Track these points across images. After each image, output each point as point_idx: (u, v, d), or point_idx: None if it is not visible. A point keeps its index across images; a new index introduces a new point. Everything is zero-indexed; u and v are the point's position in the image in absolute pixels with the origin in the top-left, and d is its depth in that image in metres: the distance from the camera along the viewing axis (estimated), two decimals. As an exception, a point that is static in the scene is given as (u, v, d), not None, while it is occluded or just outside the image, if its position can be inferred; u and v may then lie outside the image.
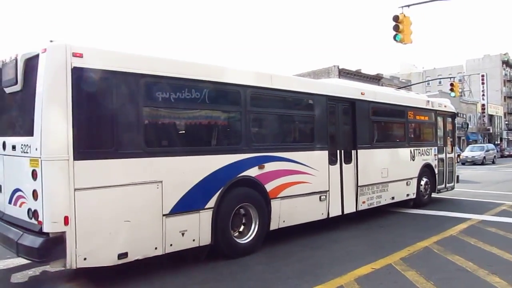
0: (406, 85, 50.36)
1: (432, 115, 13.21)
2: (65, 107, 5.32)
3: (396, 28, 15.81)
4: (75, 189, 5.35)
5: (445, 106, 13.97)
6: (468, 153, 41.10)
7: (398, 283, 6.10)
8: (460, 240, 8.50)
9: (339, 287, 5.94)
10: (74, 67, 5.40)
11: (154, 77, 6.24)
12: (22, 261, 6.74)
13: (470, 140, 64.34)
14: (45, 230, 5.29)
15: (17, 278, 6.45)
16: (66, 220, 5.29)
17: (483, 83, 75.83)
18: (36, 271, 6.75)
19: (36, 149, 5.35)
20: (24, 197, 5.66)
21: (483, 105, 74.38)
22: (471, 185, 18.96)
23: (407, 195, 11.90)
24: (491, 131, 76.89)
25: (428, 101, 13.16)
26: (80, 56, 5.48)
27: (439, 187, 13.37)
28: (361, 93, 10.25)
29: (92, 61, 5.60)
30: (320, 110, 8.97)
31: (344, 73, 45.84)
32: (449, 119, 14.18)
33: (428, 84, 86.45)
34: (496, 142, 71.50)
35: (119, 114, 5.86)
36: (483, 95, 75.26)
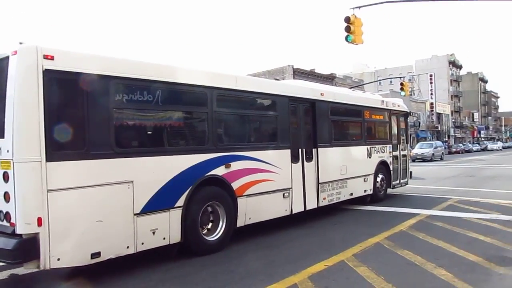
0: (358, 85, 51.58)
1: (387, 114, 13.93)
2: (37, 109, 5.36)
3: (347, 29, 16.14)
4: (48, 190, 5.40)
5: (398, 106, 14.75)
6: (417, 150, 42.53)
7: (350, 279, 6.24)
8: (410, 235, 8.80)
9: (292, 286, 6.01)
10: (46, 69, 5.47)
11: (124, 79, 6.36)
12: None
13: (420, 138, 66.61)
14: (18, 231, 5.32)
15: None
16: (39, 221, 5.34)
17: (431, 83, 78.76)
18: (4, 274, 6.62)
19: (8, 151, 5.34)
20: None
21: (431, 103, 77.19)
22: (421, 181, 19.65)
23: (365, 191, 12.52)
24: (439, 128, 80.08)
25: (383, 101, 13.86)
26: (51, 58, 5.55)
27: (393, 183, 14.08)
28: (321, 94, 10.72)
29: (63, 63, 5.65)
30: (283, 110, 9.36)
31: (299, 73, 46.43)
32: (402, 118, 14.98)
33: (380, 83, 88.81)
34: (444, 139, 74.44)
35: (89, 116, 5.91)
36: (432, 94, 78.18)
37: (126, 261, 6.71)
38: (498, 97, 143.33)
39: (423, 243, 8.13)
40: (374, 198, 12.98)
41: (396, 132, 14.38)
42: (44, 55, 5.49)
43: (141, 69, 6.66)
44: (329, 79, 51.21)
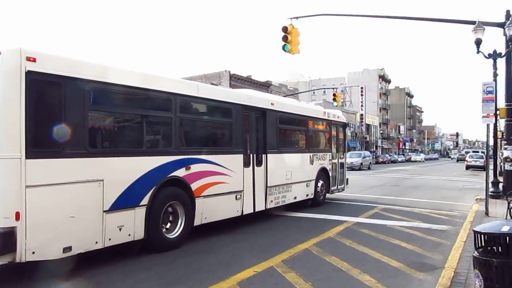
0: (293, 93, 52.63)
1: (328, 124, 15.05)
2: (18, 108, 5.61)
3: (285, 38, 16.46)
4: (26, 186, 5.64)
5: (338, 117, 15.95)
6: (347, 159, 43.99)
7: (278, 285, 6.31)
8: (337, 242, 9.07)
9: (222, 292, 5.99)
10: (28, 71, 5.72)
11: (98, 83, 6.71)
12: None
13: (349, 147, 69.11)
14: None
15: None
16: (17, 216, 5.57)
17: (362, 95, 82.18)
18: None
19: None
20: None
21: (361, 115, 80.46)
22: (350, 189, 20.36)
23: (307, 195, 13.43)
24: (368, 139, 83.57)
25: (325, 112, 14.94)
26: (34, 60, 5.81)
27: (332, 188, 15.16)
28: (271, 103, 11.55)
29: (45, 65, 5.94)
30: (237, 117, 10.06)
31: (235, 79, 46.64)
32: (341, 129, 16.18)
33: (314, 93, 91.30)
34: (372, 150, 77.76)
35: (66, 116, 6.20)
36: (362, 105, 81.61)
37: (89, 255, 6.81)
38: (422, 112, 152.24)
39: (349, 250, 8.40)
40: (314, 202, 13.88)
41: (335, 141, 15.59)
42: (27, 57, 5.75)
43: (113, 74, 6.97)
44: (265, 86, 51.86)
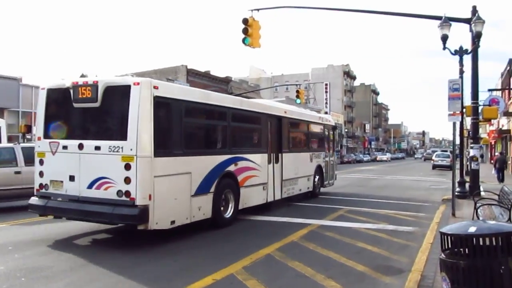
0: (255, 90, 52.77)
1: (322, 127, 18.79)
2: (150, 122, 8.54)
3: (245, 31, 16.43)
4: (154, 176, 8.53)
5: (329, 120, 19.67)
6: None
7: (239, 294, 6.28)
8: (301, 246, 9.14)
9: (178, 302, 5.91)
10: (155, 95, 8.70)
11: (188, 102, 9.88)
12: (70, 231, 10.47)
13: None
14: (137, 203, 8.33)
15: (79, 242, 9.59)
16: (149, 197, 8.41)
17: (326, 92, 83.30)
18: (85, 240, 9.67)
19: (131, 150, 8.39)
20: (110, 183, 8.55)
21: (326, 112, 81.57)
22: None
23: (308, 188, 16.91)
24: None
25: (320, 117, 18.84)
26: (157, 88, 8.79)
27: (325, 183, 18.65)
28: (284, 112, 15.07)
29: (163, 91, 8.98)
30: (263, 124, 13.51)
31: (193, 74, 46.25)
32: (331, 130, 19.73)
33: (276, 90, 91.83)
34: (336, 149, 78.89)
35: (173, 126, 9.35)
36: (326, 103, 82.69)
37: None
38: (388, 109, 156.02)
39: (313, 254, 8.48)
40: (313, 194, 17.49)
41: (327, 141, 19.21)
42: (154, 86, 8.72)
43: (196, 95, 10.43)
44: (225, 82, 51.75)
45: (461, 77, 16.60)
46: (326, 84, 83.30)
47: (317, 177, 17.83)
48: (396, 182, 28.04)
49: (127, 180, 8.44)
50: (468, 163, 23.86)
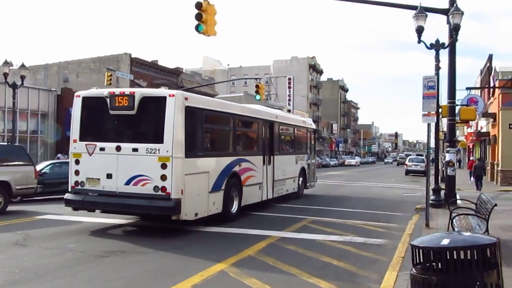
0: (209, 83, 52.65)
1: (305, 131, 22.56)
2: (182, 128, 11.53)
3: (198, 17, 16.28)
4: (185, 174, 11.45)
5: (310, 124, 23.66)
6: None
7: (187, 316, 6.27)
8: (258, 261, 9.21)
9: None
10: (186, 105, 11.73)
11: (207, 110, 13.19)
12: (102, 222, 13.66)
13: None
14: (172, 197, 11.24)
15: (111, 231, 12.52)
16: (182, 192, 11.31)
17: (289, 87, 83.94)
18: (117, 230, 12.67)
19: (167, 151, 11.32)
20: (147, 179, 11.49)
21: (289, 110, 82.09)
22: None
23: (293, 189, 20.41)
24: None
25: (304, 121, 23.09)
26: (187, 99, 11.87)
27: (307, 184, 22.34)
28: (276, 116, 18.75)
29: (191, 101, 12.04)
30: (259, 128, 16.81)
31: (138, 64, 45.69)
32: (313, 134, 23.57)
33: (233, 84, 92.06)
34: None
35: (197, 132, 12.48)
36: (290, 99, 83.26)
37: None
38: (358, 108, 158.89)
39: (273, 270, 8.55)
40: (297, 195, 20.92)
41: (310, 144, 22.98)
42: (185, 97, 11.82)
43: (212, 104, 14.07)
44: (174, 74, 51.41)
45: (437, 73, 17.11)
46: (290, 79, 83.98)
47: (301, 178, 21.46)
48: (366, 189, 28.58)
49: (163, 177, 11.44)
50: (443, 168, 24.54)
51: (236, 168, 14.55)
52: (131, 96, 12.06)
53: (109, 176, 12.06)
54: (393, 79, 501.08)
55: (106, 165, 12.13)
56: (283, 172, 18.80)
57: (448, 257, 5.03)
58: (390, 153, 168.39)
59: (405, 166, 50.34)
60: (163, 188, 11.38)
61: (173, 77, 50.32)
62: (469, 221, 11.21)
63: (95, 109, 12.77)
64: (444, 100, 24.19)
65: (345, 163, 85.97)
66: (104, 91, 12.47)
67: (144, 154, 11.67)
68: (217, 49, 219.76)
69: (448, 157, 18.59)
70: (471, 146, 59.12)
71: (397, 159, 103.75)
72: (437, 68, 17.25)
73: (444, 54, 17.53)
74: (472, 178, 32.67)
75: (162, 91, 12.03)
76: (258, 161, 16.34)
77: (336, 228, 13.19)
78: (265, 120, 17.39)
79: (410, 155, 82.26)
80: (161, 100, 11.76)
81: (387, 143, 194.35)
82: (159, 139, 11.58)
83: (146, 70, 46.29)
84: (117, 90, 12.38)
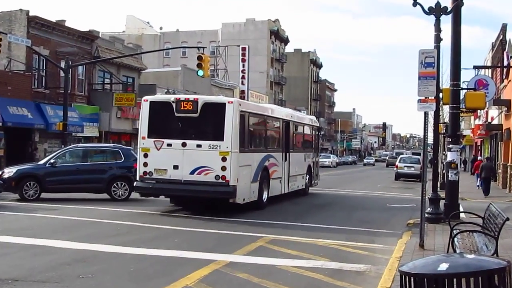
0: (134, 54, 52.08)
1: (311, 128, 32.01)
2: (237, 128, 20.11)
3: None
4: (239, 166, 19.98)
5: (316, 122, 34.04)
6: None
7: None
8: (199, 294, 9.23)
9: None
10: (240, 110, 20.58)
11: (254, 114, 22.72)
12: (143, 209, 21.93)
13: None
14: (230, 184, 19.50)
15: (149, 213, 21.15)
16: (237, 180, 19.68)
17: (244, 60, 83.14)
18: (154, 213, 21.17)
19: (227, 147, 19.68)
20: (209, 170, 19.68)
21: (242, 92, 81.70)
22: (219, 210, 20.70)
23: (302, 185, 28.83)
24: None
25: (310, 119, 33.11)
26: (240, 105, 21.06)
27: (312, 182, 31.07)
28: (291, 116, 27.97)
29: (242, 107, 21.20)
30: (280, 127, 25.68)
31: (37, 25, 44.72)
32: (317, 132, 33.81)
33: (167, 54, 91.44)
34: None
35: (245, 131, 21.21)
36: (244, 77, 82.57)
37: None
38: (335, 90, 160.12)
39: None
40: (304, 192, 29.19)
41: (315, 142, 32.52)
42: (239, 103, 21.03)
43: (256, 108, 24.87)
44: (87, 39, 50.57)
45: (437, 46, 17.41)
46: (244, 49, 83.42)
47: (308, 176, 29.92)
48: (343, 199, 29.01)
49: (223, 168, 19.27)
50: (444, 171, 24.95)
51: (266, 163, 23.04)
52: (195, 101, 20.37)
53: (175, 167, 19.94)
54: (380, 52, 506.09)
55: (173, 158, 20.01)
56: (296, 169, 27.39)
57: (446, 286, 5.14)
58: (375, 151, 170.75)
59: (395, 169, 51.00)
60: (223, 177, 19.33)
61: (85, 43, 49.49)
62: (474, 240, 11.50)
63: (162, 111, 21.11)
64: (446, 82, 24.71)
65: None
66: (171, 97, 21.43)
67: (207, 149, 19.71)
68: (146, 6, 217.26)
69: (450, 156, 18.70)
70: (478, 143, 60.26)
71: (387, 158, 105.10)
72: (438, 39, 17.53)
73: (446, 22, 17.77)
74: (479, 182, 33.26)
75: (222, 98, 24.74)
76: (279, 157, 24.92)
77: (302, 250, 13.30)
78: (284, 120, 26.51)
79: (401, 153, 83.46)
80: (221, 106, 20.20)
81: (372, 137, 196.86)
82: (219, 137, 19.76)
83: (48, 34, 45.33)
84: (182, 97, 21.61)
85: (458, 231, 11.38)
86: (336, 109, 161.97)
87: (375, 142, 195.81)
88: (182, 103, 20.45)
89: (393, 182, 46.10)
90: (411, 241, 14.49)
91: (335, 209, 23.35)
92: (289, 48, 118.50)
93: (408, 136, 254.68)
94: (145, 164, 20.34)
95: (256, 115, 23.02)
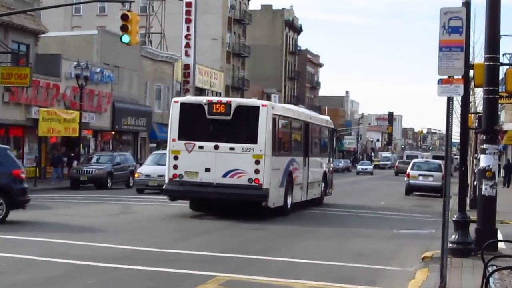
0: (28, 10, 51.63)
1: (327, 130, 42.89)
2: (270, 131, 30.06)
3: None
4: (271, 169, 29.86)
5: (331, 123, 44.89)
6: (150, 168, 44.97)
7: None
8: None
9: None
10: (273, 113, 30.85)
11: (282, 116, 33.21)
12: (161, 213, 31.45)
13: (158, 141, 70.30)
14: (264, 187, 29.25)
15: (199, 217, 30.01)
16: (270, 183, 29.55)
17: (188, 21, 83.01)
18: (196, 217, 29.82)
19: (261, 150, 29.39)
20: (242, 173, 29.18)
21: (186, 66, 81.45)
22: (156, 236, 20.68)
23: (318, 193, 39.19)
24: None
25: (326, 120, 44.35)
26: (273, 108, 31.79)
27: (327, 190, 41.30)
28: (310, 118, 39.70)
29: (274, 110, 31.85)
30: (302, 129, 37.09)
31: None
32: (332, 134, 44.45)
33: (78, 12, 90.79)
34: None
35: (275, 134, 31.38)
36: (188, 46, 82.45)
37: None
38: (319, 65, 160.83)
39: None
40: (320, 201, 39.10)
41: (330, 146, 43.89)
42: (272, 107, 31.65)
43: (283, 110, 35.64)
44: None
45: (467, 3, 17.50)
46: (189, 4, 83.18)
47: (323, 183, 39.39)
48: (332, 221, 29.71)
49: (257, 171, 28.00)
50: (476, 182, 25.09)
51: (291, 167, 31.76)
52: (228, 104, 28.06)
53: (207, 170, 27.52)
54: (384, 12, 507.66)
55: (204, 160, 27.68)
56: (314, 175, 36.86)
57: None
58: (377, 152, 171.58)
59: (406, 178, 51.08)
60: (256, 180, 27.24)
61: None
62: (518, 282, 11.61)
63: (193, 113, 28.79)
64: (479, 56, 24.88)
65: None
66: (203, 99, 29.37)
67: (240, 152, 27.50)
68: None
69: (484, 161, 18.58)
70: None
71: (397, 164, 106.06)
72: (467, -6, 17.69)
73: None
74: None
75: (255, 102, 33.35)
76: (301, 161, 34.17)
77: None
78: (304, 122, 35.52)
79: (415, 156, 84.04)
80: (255, 109, 28.34)
81: (373, 133, 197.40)
82: (253, 140, 27.48)
83: None
84: (214, 99, 30.53)
85: (495, 267, 11.49)
86: (322, 92, 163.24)
87: (378, 140, 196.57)
88: (214, 105, 28.46)
89: (403, 197, 46.60)
90: (429, 282, 14.59)
91: (321, 236, 23.49)
92: (254, 4, 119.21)
93: (424, 132, 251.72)
94: (175, 167, 28.32)
95: (284, 117, 32.43)
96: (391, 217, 32.34)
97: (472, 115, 28.76)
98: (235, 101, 28.88)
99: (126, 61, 63.49)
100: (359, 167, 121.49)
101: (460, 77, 14.04)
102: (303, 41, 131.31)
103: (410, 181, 50.38)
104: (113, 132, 68.32)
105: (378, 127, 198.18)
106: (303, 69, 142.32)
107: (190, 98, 34.91)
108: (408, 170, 52.75)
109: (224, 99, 29.61)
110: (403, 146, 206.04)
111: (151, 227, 26.14)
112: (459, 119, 18.69)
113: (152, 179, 44.83)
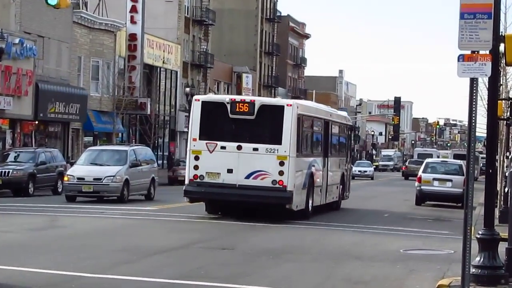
0: None
1: (345, 128, 56.12)
2: (295, 132, 40.83)
3: None
4: (295, 171, 41.04)
5: (349, 119, 60.94)
6: (83, 169, 45.20)
7: None
8: None
9: None
10: (298, 113, 41.81)
11: (307, 116, 45.14)
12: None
13: (99, 133, 70.37)
14: (288, 189, 40.00)
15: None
16: (294, 186, 40.56)
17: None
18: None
19: (285, 151, 39.84)
20: (266, 174, 38.98)
21: (133, 36, 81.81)
22: (102, 258, 20.78)
23: (336, 197, 50.89)
24: (152, 112, 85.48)
25: (344, 117, 58.68)
26: (298, 107, 42.18)
27: (344, 194, 54.07)
28: (330, 115, 51.57)
29: (300, 110, 43.15)
30: (322, 128, 48.88)
31: None
32: (350, 132, 59.69)
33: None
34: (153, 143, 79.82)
35: (302, 134, 43.62)
36: (135, 10, 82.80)
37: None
38: (306, 37, 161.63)
39: None
40: (337, 205, 50.59)
41: (348, 146, 57.63)
42: (297, 106, 41.90)
43: (308, 109, 47.69)
44: None
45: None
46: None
47: (341, 186, 49.05)
48: (321, 239, 29.64)
49: (281, 173, 36.80)
50: (507, 188, 25.26)
51: (312, 169, 40.25)
52: (252, 103, 35.78)
53: (229, 171, 34.77)
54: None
55: (227, 161, 34.98)
56: (333, 177, 45.71)
57: None
58: (379, 150, 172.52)
59: (417, 183, 51.26)
60: (280, 182, 35.07)
61: None
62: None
63: (215, 112, 36.45)
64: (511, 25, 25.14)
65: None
66: (226, 98, 39.10)
67: (264, 153, 35.42)
68: None
69: None
70: None
71: (408, 164, 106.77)
72: None
73: None
74: None
75: (280, 101, 46.93)
76: (320, 163, 42.59)
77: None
78: (325, 120, 43.04)
79: (429, 155, 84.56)
80: (280, 108, 36.67)
81: (375, 124, 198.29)
82: (277, 140, 35.40)
83: None
84: (237, 98, 41.56)
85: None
86: (308, 71, 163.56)
87: (380, 133, 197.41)
88: (237, 104, 35.00)
89: (413, 207, 47.00)
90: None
91: (305, 259, 23.52)
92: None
93: (441, 123, 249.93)
94: (196, 167, 35.05)
95: (307, 117, 40.43)
96: (397, 233, 32.54)
97: (503, 101, 28.99)
98: (259, 100, 35.75)
99: (53, 29, 63.48)
100: (355, 168, 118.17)
101: (487, 52, 14.09)
102: (284, 5, 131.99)
103: (422, 187, 50.90)
104: (36, 122, 67.48)
105: (381, 117, 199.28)
106: (284, 42, 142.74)
107: (212, 97, 41.22)
108: (420, 173, 53.33)
109: (248, 98, 36.11)
110: (413, 142, 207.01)
111: (86, 245, 25.22)
112: (486, 107, 18.76)
113: (86, 183, 44.54)
